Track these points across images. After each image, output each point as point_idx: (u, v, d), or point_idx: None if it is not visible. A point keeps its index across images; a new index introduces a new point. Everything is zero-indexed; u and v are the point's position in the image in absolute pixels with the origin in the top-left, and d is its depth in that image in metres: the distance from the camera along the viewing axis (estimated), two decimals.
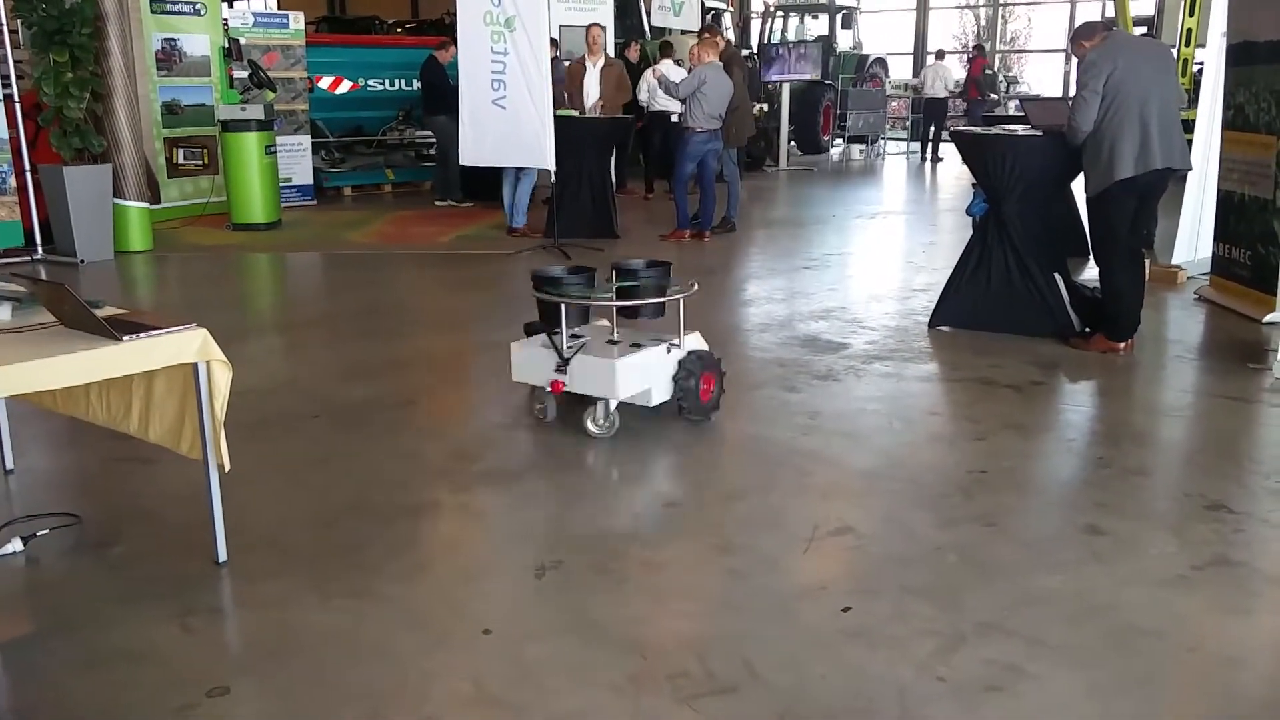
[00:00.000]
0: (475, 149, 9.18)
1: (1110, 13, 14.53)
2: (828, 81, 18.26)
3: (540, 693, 2.66)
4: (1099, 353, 5.75)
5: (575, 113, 10.13)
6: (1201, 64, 8.88)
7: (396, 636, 2.92)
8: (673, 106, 10.85)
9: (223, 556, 3.30)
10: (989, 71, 19.48)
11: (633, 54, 13.39)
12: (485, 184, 11.78)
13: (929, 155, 18.64)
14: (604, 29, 10.61)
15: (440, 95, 11.44)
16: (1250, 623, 3.09)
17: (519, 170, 9.90)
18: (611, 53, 12.36)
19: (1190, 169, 5.94)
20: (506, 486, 4.01)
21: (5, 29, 8.58)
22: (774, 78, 16.75)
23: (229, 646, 2.98)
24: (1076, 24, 7.23)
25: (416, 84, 13.86)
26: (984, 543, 3.53)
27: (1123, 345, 5.77)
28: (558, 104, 9.46)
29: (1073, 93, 5.74)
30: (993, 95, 18.90)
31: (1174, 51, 10.10)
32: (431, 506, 3.85)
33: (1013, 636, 2.91)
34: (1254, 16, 6.63)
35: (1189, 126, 7.51)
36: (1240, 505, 3.81)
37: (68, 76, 8.42)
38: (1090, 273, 6.19)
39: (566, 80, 10.57)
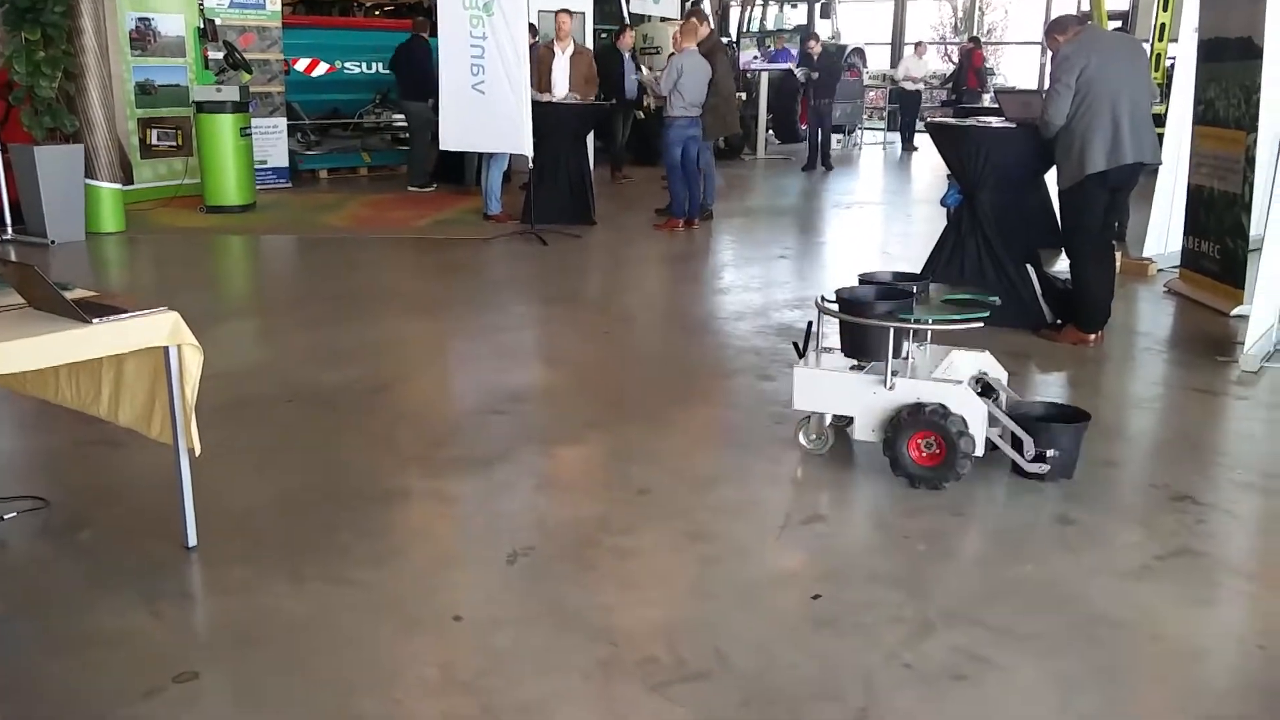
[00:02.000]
0: (455, 134, 9.13)
1: (1085, 6, 14.59)
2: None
3: (509, 680, 2.66)
4: (1070, 344, 5.80)
5: (543, 98, 10.04)
6: (1174, 59, 8.93)
7: (366, 623, 2.92)
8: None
9: (192, 541, 3.29)
10: (988, 64, 19.58)
11: (625, 41, 13.32)
12: (451, 168, 11.77)
13: (908, 145, 18.78)
14: (571, 15, 10.53)
15: (416, 78, 11.40)
16: (1213, 613, 3.14)
17: (490, 156, 9.86)
18: (589, 41, 12.32)
19: (1160, 163, 6.00)
20: (479, 473, 4.01)
21: None
22: (754, 67, 16.76)
23: (198, 631, 2.97)
24: (1052, 17, 7.25)
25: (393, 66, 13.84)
26: (953, 532, 3.56)
27: (1093, 336, 5.82)
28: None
29: (1047, 86, 5.77)
30: (989, 87, 18.98)
31: (1147, 46, 10.16)
32: (403, 492, 3.84)
33: (980, 625, 2.94)
34: (1225, 13, 6.68)
35: (1160, 121, 7.57)
36: (1205, 497, 3.86)
37: (40, 55, 8.33)
38: (1062, 264, 6.23)
39: (536, 64, 10.52)
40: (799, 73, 16.07)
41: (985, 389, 4.09)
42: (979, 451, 3.78)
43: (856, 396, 3.97)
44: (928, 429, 3.75)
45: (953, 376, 4.03)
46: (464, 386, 5.30)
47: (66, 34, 8.56)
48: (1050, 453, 3.75)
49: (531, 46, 9.50)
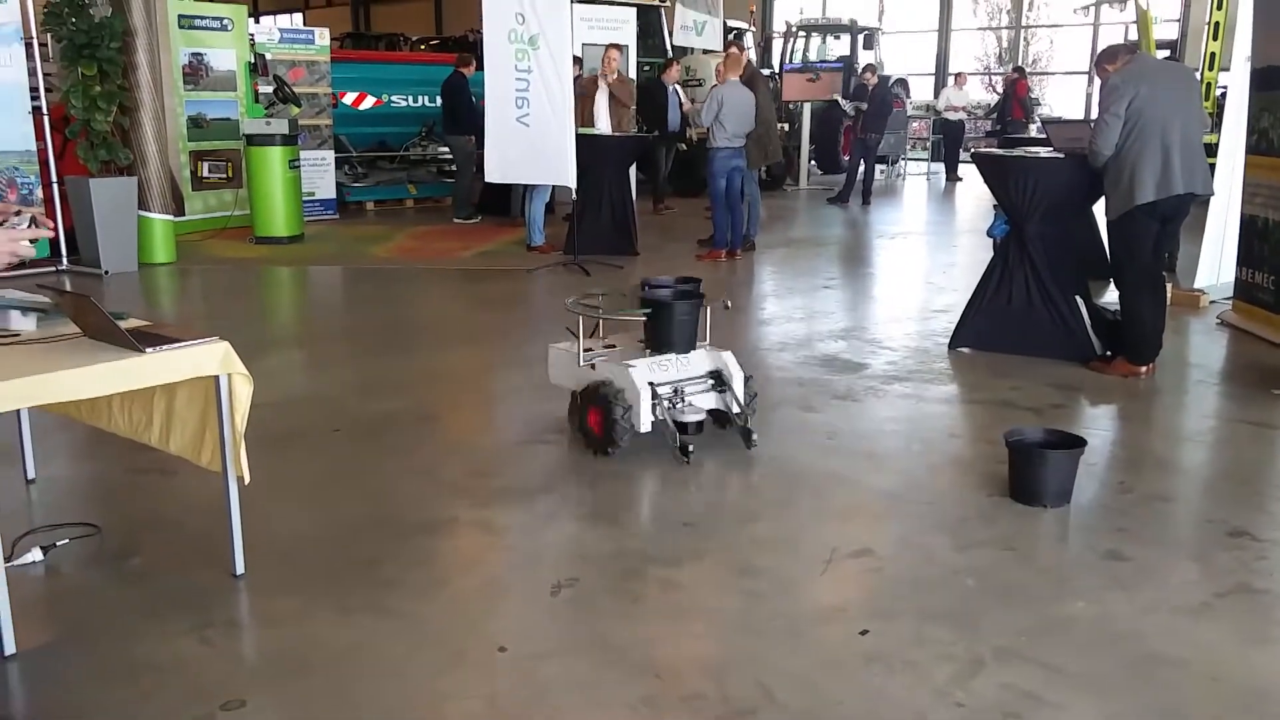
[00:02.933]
0: (500, 166, 9.21)
1: (1134, 36, 14.48)
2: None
3: (553, 712, 2.65)
4: (1120, 376, 5.71)
5: (589, 130, 10.15)
6: (1225, 88, 8.83)
7: (411, 653, 2.92)
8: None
9: (240, 569, 3.31)
10: (1032, 94, 19.42)
11: (671, 75, 13.41)
12: (496, 200, 11.88)
13: (951, 175, 18.72)
14: (621, 50, 10.64)
15: (459, 113, 11.58)
16: (1274, 651, 3.05)
17: (532, 187, 9.95)
18: (632, 73, 12.40)
19: (1212, 194, 5.91)
20: (524, 504, 4.01)
21: (35, 42, 8.69)
22: (795, 97, 16.80)
23: (245, 659, 2.98)
24: (1098, 46, 7.24)
25: (440, 100, 14.00)
26: (1003, 567, 3.50)
27: (1144, 369, 5.73)
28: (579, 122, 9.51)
29: (1094, 115, 5.72)
30: (1035, 118, 18.84)
31: (1197, 75, 10.06)
32: (449, 523, 3.85)
33: (1031, 663, 2.89)
34: (1278, 41, 6.61)
35: (1212, 150, 7.48)
36: (1263, 532, 3.78)
37: (96, 90, 8.52)
38: (1111, 295, 6.14)
39: (580, 97, 10.63)
40: (847, 105, 15.98)
41: (718, 382, 4.64)
42: (642, 427, 4.37)
43: (572, 373, 4.68)
44: (600, 403, 4.39)
45: (688, 369, 4.62)
46: (509, 417, 5.30)
47: (122, 69, 8.77)
48: (690, 448, 4.34)
49: (576, 79, 9.58)
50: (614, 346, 4.76)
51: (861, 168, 14.74)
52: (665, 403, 4.45)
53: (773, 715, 2.64)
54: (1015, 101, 18.47)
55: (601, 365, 4.54)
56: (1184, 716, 2.71)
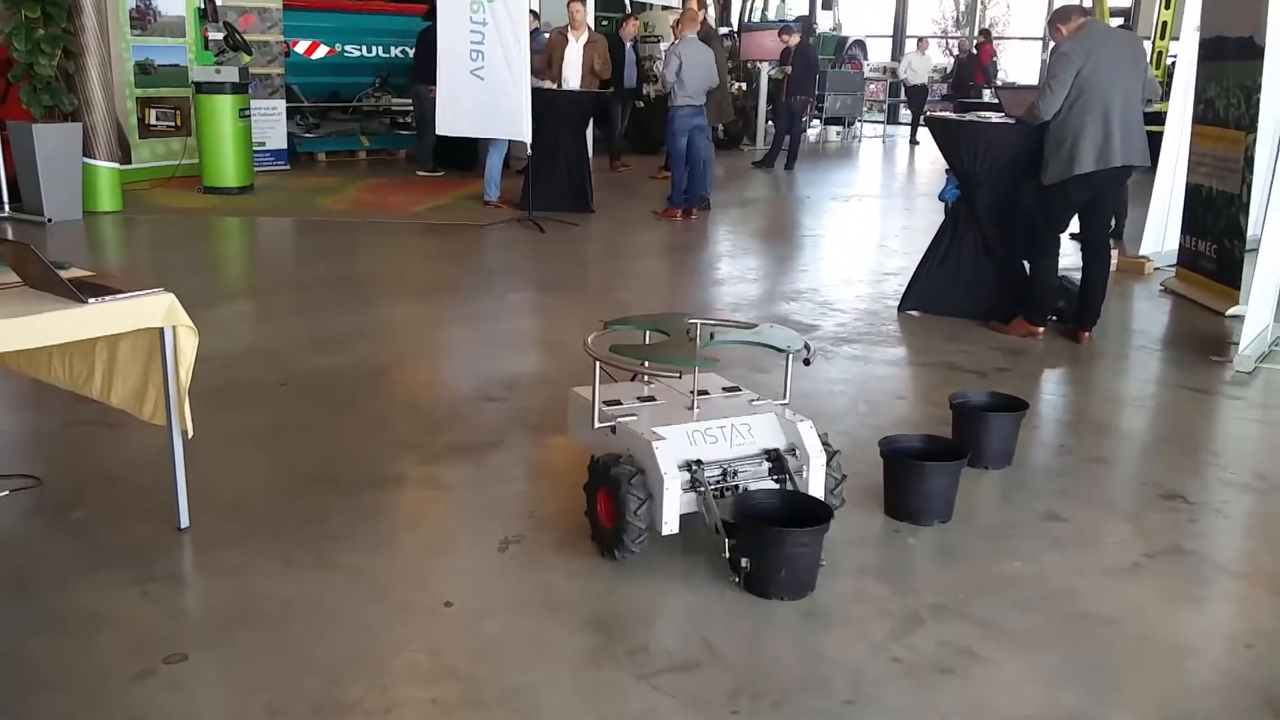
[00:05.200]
0: (452, 119, 9.12)
1: (1088, 3, 14.57)
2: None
3: (498, 666, 2.67)
4: (1019, 336, 5.84)
5: (550, 85, 10.07)
6: (1175, 57, 8.93)
7: (357, 607, 2.93)
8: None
9: (184, 523, 3.29)
10: (995, 60, 19.47)
11: (629, 30, 13.29)
12: (457, 154, 11.75)
13: (912, 137, 18.97)
14: (584, 3, 10.54)
15: (428, 64, 11.39)
16: (1201, 611, 3.15)
17: (490, 141, 9.86)
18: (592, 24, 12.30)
19: (1149, 166, 6.00)
20: (472, 460, 4.01)
21: None
22: (759, 56, 16.72)
23: (188, 613, 2.97)
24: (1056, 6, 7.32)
25: (395, 50, 13.73)
26: (944, 527, 3.56)
27: (1041, 330, 5.87)
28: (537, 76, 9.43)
29: (1044, 78, 5.78)
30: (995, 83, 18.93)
31: (1147, 44, 10.15)
32: (396, 478, 3.85)
33: (968, 620, 2.95)
34: (1227, 11, 6.68)
35: (1160, 119, 7.57)
36: (1196, 495, 3.88)
37: (39, 33, 8.30)
38: (1064, 262, 6.21)
39: (546, 51, 10.52)
40: (773, 71, 15.53)
41: (776, 466, 3.32)
42: (666, 528, 3.14)
43: (589, 433, 3.46)
44: (611, 486, 3.17)
45: (740, 442, 3.34)
46: (459, 373, 5.29)
47: (66, 12, 8.54)
48: (744, 563, 3.02)
49: (534, 33, 9.47)
50: (650, 400, 3.57)
51: (791, 134, 14.22)
52: (708, 489, 3.18)
53: (714, 670, 2.68)
54: (978, 68, 18.54)
55: (624, 430, 3.31)
56: (1113, 672, 2.79)
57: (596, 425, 3.38)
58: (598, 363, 3.36)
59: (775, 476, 3.30)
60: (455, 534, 3.50)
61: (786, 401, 3.55)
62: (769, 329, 3.85)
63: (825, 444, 3.37)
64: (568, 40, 10.32)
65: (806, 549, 3.00)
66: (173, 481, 3.26)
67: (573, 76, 10.23)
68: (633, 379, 3.71)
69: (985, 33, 20.31)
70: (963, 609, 3.01)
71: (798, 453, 3.33)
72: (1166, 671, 2.83)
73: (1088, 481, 4.02)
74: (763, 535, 3.00)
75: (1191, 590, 3.24)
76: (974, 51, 19.45)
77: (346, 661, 2.67)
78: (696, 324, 3.60)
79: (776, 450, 3.34)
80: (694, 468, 3.19)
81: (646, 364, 3.49)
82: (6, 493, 3.50)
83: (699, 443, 3.27)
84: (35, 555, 3.21)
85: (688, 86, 9.35)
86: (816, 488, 3.31)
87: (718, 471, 3.23)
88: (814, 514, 3.09)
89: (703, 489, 3.16)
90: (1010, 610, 3.02)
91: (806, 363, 3.66)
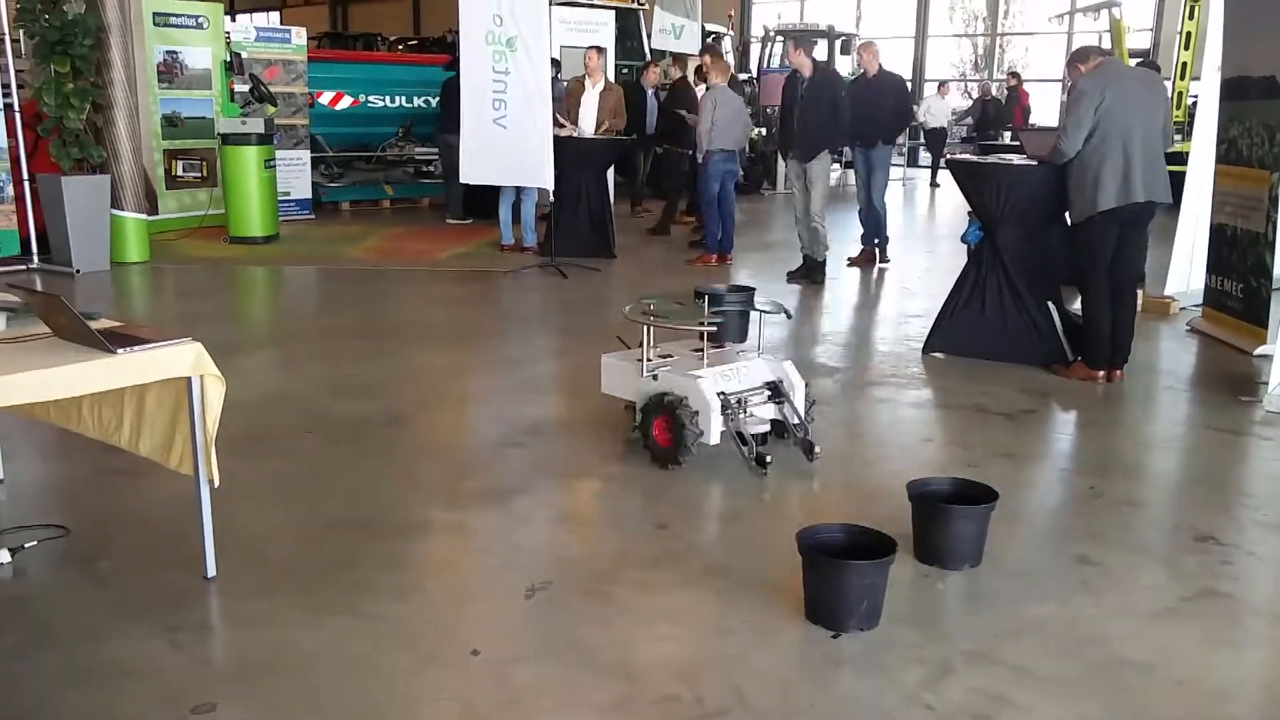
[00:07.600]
0: (475, 168, 9.20)
1: (1107, 45, 14.60)
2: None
3: (527, 715, 2.65)
4: (1078, 380, 5.77)
5: (570, 131, 10.14)
6: (1196, 97, 8.92)
7: (385, 656, 2.92)
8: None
9: (211, 572, 3.30)
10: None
11: (650, 78, 13.40)
12: (485, 202, 11.84)
13: (932, 180, 18.98)
14: (601, 52, 10.63)
15: (454, 114, 11.52)
16: (1238, 656, 3.10)
17: (520, 189, 9.95)
18: (612, 76, 12.41)
19: (1170, 202, 5.98)
20: (498, 506, 4.01)
21: (7, 38, 8.61)
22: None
23: (216, 663, 2.97)
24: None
25: (418, 100, 13.86)
26: (975, 571, 3.52)
27: (1101, 373, 5.79)
28: (557, 124, 9.50)
29: (1064, 117, 5.80)
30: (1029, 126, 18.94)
31: (1167, 84, 10.16)
32: (422, 525, 3.85)
33: (1000, 665, 2.91)
34: (1248, 51, 6.68)
35: (1182, 159, 7.56)
36: (1229, 537, 3.82)
37: (69, 87, 8.44)
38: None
39: (566, 98, 10.62)
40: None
41: (775, 393, 4.55)
42: (712, 439, 4.31)
43: (630, 384, 4.58)
44: (668, 413, 4.31)
45: (747, 379, 4.56)
46: (483, 419, 5.30)
47: (95, 67, 8.69)
48: (768, 458, 4.28)
49: (554, 81, 9.56)
50: (670, 356, 4.69)
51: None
52: (731, 413, 4.37)
53: (744, 717, 2.65)
54: (1018, 107, 18.59)
55: (665, 376, 4.46)
56: (1150, 718, 2.74)
57: (644, 374, 4.50)
58: (646, 326, 4.53)
59: (775, 400, 4.54)
60: (482, 581, 3.49)
61: (759, 352, 4.75)
62: (760, 300, 4.83)
63: (800, 377, 4.64)
64: (584, 88, 10.43)
65: (881, 579, 3.17)
66: (200, 530, 3.27)
67: (587, 123, 10.32)
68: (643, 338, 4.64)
69: (1015, 75, 20.36)
70: (995, 654, 2.97)
71: (783, 384, 4.56)
72: (1205, 717, 2.78)
73: (1119, 524, 3.97)
74: (842, 571, 3.13)
75: (1228, 634, 3.19)
76: (1006, 94, 19.46)
77: (376, 711, 2.66)
78: (705, 295, 4.61)
79: (774, 382, 4.58)
80: (722, 396, 4.36)
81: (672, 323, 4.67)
82: (35, 543, 3.51)
83: (720, 381, 4.45)
84: (63, 605, 3.22)
85: (722, 134, 9.39)
86: (798, 409, 4.53)
87: (736, 400, 4.43)
88: (877, 546, 3.25)
89: (729, 411, 4.35)
90: (1043, 655, 2.98)
91: (788, 316, 5.31)
